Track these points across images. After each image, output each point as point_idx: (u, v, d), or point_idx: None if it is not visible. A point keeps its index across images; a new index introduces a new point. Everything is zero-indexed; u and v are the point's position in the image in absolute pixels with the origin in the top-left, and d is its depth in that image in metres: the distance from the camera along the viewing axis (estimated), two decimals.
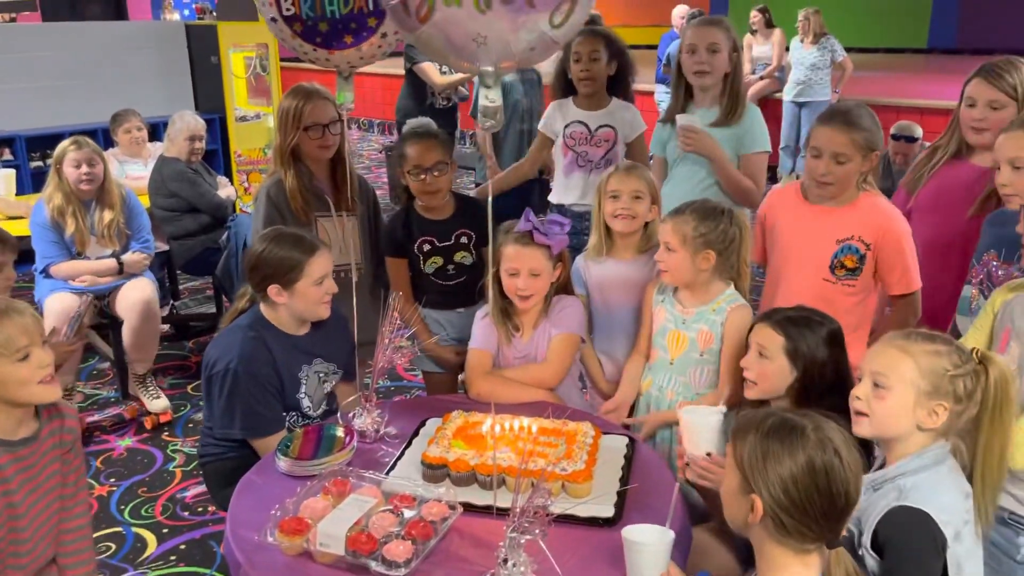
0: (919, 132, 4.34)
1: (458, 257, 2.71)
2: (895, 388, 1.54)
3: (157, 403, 3.68)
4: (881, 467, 1.60)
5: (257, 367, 2.15)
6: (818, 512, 1.28)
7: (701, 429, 1.81)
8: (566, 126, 3.21)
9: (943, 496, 1.49)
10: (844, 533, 1.35)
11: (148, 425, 3.65)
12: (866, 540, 1.50)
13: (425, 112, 5.14)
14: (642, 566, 1.48)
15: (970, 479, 1.55)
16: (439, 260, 2.71)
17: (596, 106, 3.19)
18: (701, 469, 1.75)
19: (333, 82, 2.54)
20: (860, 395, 1.59)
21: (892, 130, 4.32)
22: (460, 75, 5.30)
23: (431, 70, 5.25)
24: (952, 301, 2.32)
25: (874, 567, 1.49)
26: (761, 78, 7.51)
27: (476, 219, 2.68)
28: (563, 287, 2.36)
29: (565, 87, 3.26)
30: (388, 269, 2.82)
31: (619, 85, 3.25)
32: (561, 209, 3.23)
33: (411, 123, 2.79)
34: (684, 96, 2.98)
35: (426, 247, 2.70)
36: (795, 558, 1.31)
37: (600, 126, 3.18)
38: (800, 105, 6.99)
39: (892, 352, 1.56)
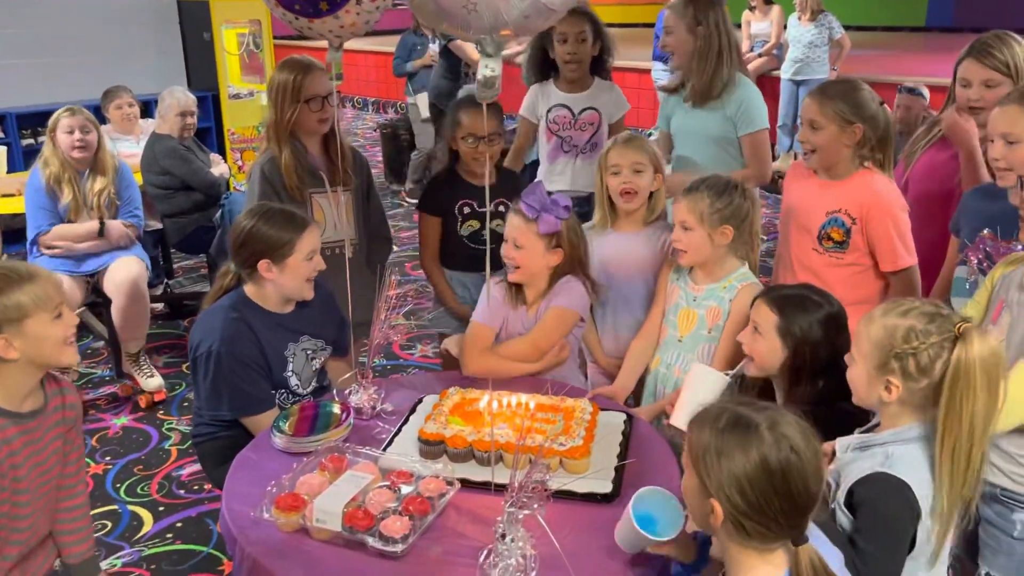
0: (927, 92, 4.35)
1: (493, 224, 2.72)
2: (857, 360, 1.56)
3: (151, 382, 3.66)
4: (872, 428, 1.60)
5: (240, 347, 2.13)
6: (777, 512, 1.22)
7: (706, 384, 1.82)
8: (548, 110, 3.16)
9: (925, 471, 1.49)
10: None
11: (143, 404, 3.63)
12: (841, 496, 1.51)
13: (459, 92, 5.06)
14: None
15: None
16: (475, 224, 2.77)
17: (579, 88, 3.14)
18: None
19: (322, 58, 2.52)
20: (846, 362, 1.61)
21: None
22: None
23: (468, 47, 5.14)
24: (925, 266, 2.36)
25: (845, 524, 1.49)
26: (759, 55, 7.46)
27: (515, 190, 2.70)
28: (571, 270, 2.31)
29: (544, 68, 3.19)
30: (420, 225, 2.87)
31: (600, 65, 3.19)
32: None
33: (467, 89, 2.82)
34: (681, 76, 3.01)
35: (466, 210, 2.76)
36: (760, 558, 1.26)
37: (584, 109, 3.13)
38: (798, 83, 6.94)
39: (861, 322, 1.57)
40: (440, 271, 2.85)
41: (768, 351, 1.86)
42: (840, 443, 1.59)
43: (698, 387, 1.83)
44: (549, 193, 2.25)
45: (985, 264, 2.08)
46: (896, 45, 10.59)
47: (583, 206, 2.78)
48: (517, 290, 2.31)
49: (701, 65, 2.85)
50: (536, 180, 2.28)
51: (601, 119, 3.13)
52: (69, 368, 3.69)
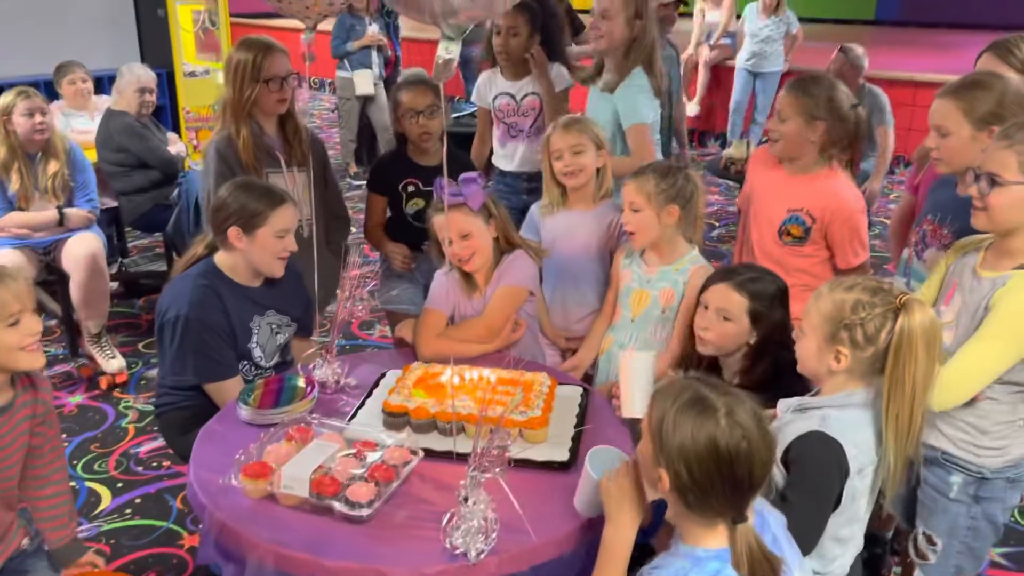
0: (865, 63, 4.54)
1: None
2: (807, 333, 1.66)
3: (113, 363, 3.63)
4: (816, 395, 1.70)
5: (208, 314, 2.16)
6: (719, 493, 1.30)
7: (636, 368, 1.91)
8: (494, 98, 3.24)
9: (859, 434, 1.60)
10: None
11: (104, 385, 3.60)
12: (778, 454, 1.59)
13: None
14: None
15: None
16: (420, 203, 2.84)
17: (520, 75, 3.21)
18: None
19: (281, 38, 2.56)
20: (795, 338, 1.71)
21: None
22: None
23: None
24: None
25: (779, 480, 1.59)
26: (711, 47, 7.56)
27: (460, 172, 2.74)
28: (508, 238, 2.36)
29: (494, 56, 3.25)
30: (367, 204, 2.98)
31: (550, 49, 3.22)
32: (504, 175, 3.31)
33: (404, 73, 2.92)
34: (599, 60, 3.00)
35: (410, 188, 2.86)
36: (703, 530, 1.35)
37: (525, 95, 3.20)
38: (755, 74, 7.02)
39: (810, 299, 1.67)
40: (384, 236, 2.95)
41: (737, 334, 1.94)
42: (781, 405, 1.69)
43: (632, 376, 1.91)
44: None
45: (919, 247, 2.19)
46: (846, 38, 10.77)
47: (536, 181, 2.87)
48: (469, 278, 2.35)
49: (630, 57, 2.84)
50: (438, 178, 2.28)
51: (542, 104, 3.19)
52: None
